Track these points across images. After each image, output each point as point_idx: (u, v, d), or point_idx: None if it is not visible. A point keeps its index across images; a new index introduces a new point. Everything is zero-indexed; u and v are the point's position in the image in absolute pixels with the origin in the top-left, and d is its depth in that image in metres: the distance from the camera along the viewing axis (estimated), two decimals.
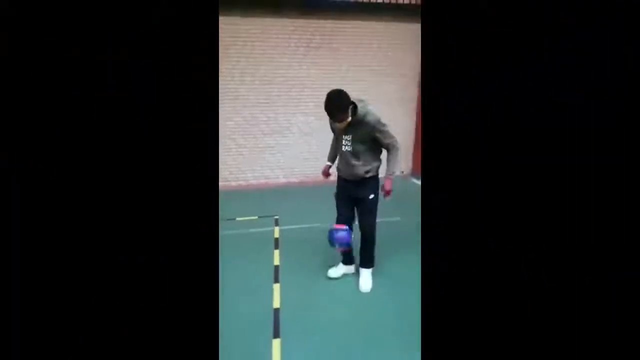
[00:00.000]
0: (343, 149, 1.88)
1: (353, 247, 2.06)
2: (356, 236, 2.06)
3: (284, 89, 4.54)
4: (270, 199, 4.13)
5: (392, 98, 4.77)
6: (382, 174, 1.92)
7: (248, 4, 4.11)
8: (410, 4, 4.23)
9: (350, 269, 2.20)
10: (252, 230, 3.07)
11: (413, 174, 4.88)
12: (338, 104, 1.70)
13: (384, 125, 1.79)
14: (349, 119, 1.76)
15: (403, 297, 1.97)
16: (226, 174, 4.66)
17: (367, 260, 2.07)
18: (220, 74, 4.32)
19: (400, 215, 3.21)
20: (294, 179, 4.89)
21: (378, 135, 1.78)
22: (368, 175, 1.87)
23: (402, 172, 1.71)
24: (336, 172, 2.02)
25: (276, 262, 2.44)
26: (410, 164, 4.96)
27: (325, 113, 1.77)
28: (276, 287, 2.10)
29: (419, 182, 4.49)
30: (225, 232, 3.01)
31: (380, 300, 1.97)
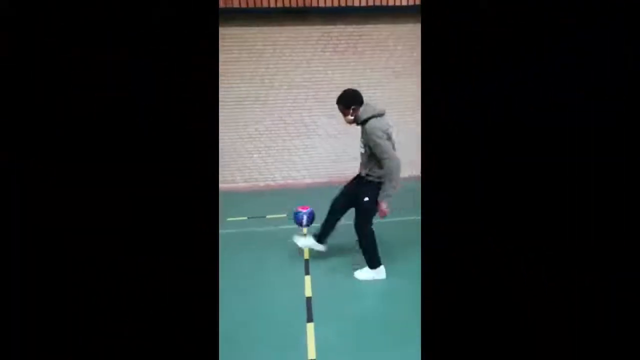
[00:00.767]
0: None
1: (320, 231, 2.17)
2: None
3: (311, 92, 4.51)
4: (297, 198, 4.13)
5: (417, 100, 4.55)
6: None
7: (280, 14, 4.15)
8: None
9: (317, 245, 2.19)
10: (281, 227, 3.09)
11: None
12: (340, 98, 1.82)
13: (379, 137, 1.71)
14: (350, 117, 1.81)
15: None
16: (255, 175, 4.74)
17: (365, 260, 2.04)
18: (252, 79, 4.41)
19: (418, 214, 3.05)
20: (319, 180, 4.84)
21: (372, 145, 1.73)
22: (368, 179, 1.84)
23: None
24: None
25: (306, 256, 2.49)
26: None
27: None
28: (307, 278, 2.19)
29: None
30: (256, 229, 3.10)
31: (402, 295, 1.99)
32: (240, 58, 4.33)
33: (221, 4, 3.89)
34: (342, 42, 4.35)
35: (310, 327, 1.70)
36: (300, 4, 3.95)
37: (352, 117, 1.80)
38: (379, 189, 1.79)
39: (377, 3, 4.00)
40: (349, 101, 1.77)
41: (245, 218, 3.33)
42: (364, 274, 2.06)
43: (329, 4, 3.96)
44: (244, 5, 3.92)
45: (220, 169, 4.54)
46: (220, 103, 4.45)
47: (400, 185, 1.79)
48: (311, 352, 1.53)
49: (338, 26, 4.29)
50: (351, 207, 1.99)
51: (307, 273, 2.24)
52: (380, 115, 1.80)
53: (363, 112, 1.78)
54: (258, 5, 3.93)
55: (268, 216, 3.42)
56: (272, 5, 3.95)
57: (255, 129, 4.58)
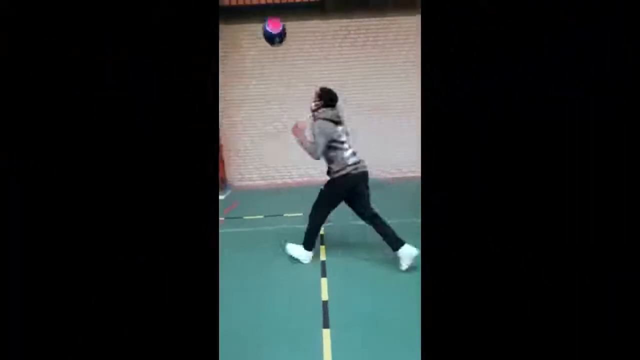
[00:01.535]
0: None
1: None
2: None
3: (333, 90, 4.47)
4: (314, 196, 4.11)
5: None
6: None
7: (296, 8, 4.13)
8: None
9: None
10: (298, 226, 3.08)
11: None
12: (323, 91, 2.16)
13: (317, 135, 2.07)
14: (313, 105, 2.15)
15: None
16: (273, 172, 4.78)
17: (304, 239, 2.29)
18: (270, 76, 4.43)
19: None
20: None
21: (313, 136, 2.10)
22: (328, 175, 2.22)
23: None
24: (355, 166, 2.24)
25: (323, 257, 2.43)
26: None
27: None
28: (324, 281, 2.10)
29: None
30: (273, 227, 3.07)
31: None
32: (258, 56, 4.37)
33: (239, 1, 3.94)
34: (361, 35, 4.26)
35: (326, 333, 1.60)
36: None
37: (315, 107, 2.12)
38: (332, 183, 2.19)
39: None
40: (316, 96, 2.14)
41: (262, 217, 3.35)
42: (293, 249, 2.31)
43: None
44: (262, 2, 3.95)
45: (239, 167, 4.63)
46: (238, 102, 4.53)
47: (309, 152, 2.15)
48: None
49: (356, 20, 4.21)
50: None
51: (323, 275, 2.14)
52: (334, 121, 2.10)
53: (322, 112, 2.09)
54: (277, 1, 3.94)
55: (285, 214, 3.42)
56: (290, 1, 3.95)
57: (273, 127, 4.62)
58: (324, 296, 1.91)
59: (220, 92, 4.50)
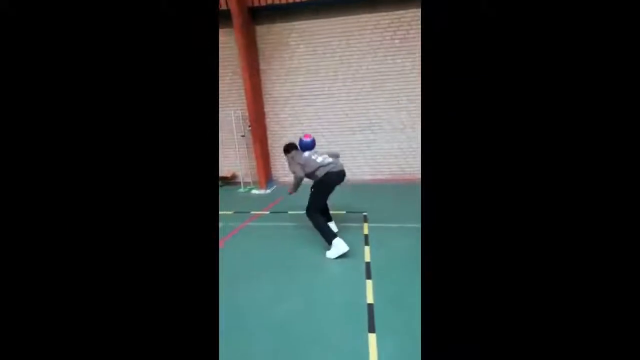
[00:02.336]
0: None
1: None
2: None
3: (377, 84, 4.31)
4: (357, 195, 4.00)
5: None
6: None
7: (344, 4, 4.03)
8: None
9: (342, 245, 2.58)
10: (342, 224, 3.01)
11: None
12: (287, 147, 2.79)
13: (290, 159, 2.68)
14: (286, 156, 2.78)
15: None
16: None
17: (325, 240, 2.52)
18: (317, 73, 4.40)
19: None
20: (380, 176, 4.63)
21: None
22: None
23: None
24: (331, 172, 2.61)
25: (367, 258, 2.33)
26: None
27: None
28: (369, 283, 2.02)
29: None
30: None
31: None
32: (307, 52, 4.36)
33: (289, 0, 3.95)
34: (414, 27, 4.02)
35: (372, 338, 1.52)
36: None
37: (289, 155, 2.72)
38: (314, 187, 2.62)
39: None
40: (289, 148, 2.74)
41: (304, 212, 3.34)
42: (331, 253, 2.41)
43: None
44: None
45: (284, 164, 4.67)
46: (284, 99, 4.56)
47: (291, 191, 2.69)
48: None
49: (410, 10, 3.98)
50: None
51: (368, 277, 2.06)
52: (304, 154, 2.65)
53: (295, 153, 2.70)
54: None
55: (331, 212, 3.37)
56: None
57: (318, 124, 4.58)
58: (369, 299, 1.82)
59: (266, 89, 4.59)
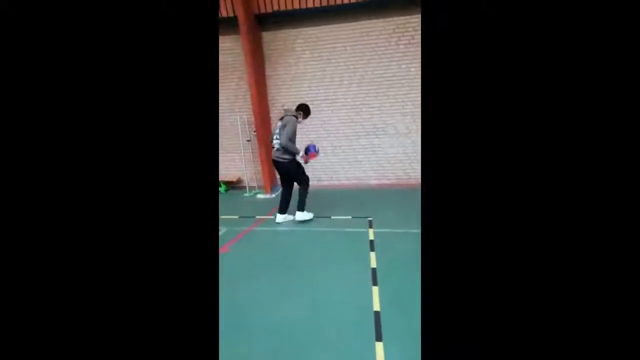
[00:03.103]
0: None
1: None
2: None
3: (382, 89, 4.31)
4: (362, 200, 3.98)
5: None
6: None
7: (350, 10, 4.06)
8: None
9: (289, 217, 3.29)
10: (347, 229, 2.99)
11: None
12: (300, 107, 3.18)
13: (287, 128, 2.96)
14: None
15: None
16: (320, 174, 4.75)
17: (298, 205, 3.25)
18: (322, 79, 4.42)
19: None
20: (385, 181, 4.61)
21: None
22: (284, 162, 3.12)
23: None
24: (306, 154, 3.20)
25: (373, 264, 2.30)
26: None
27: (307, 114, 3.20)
28: (375, 289, 1.98)
29: None
30: (322, 229, 3.04)
31: None
32: (312, 58, 4.39)
33: (295, 6, 3.99)
34: (419, 32, 4.03)
35: (379, 346, 1.48)
36: None
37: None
38: (290, 161, 3.01)
39: None
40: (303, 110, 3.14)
41: (310, 217, 3.33)
42: (298, 215, 3.20)
43: None
44: (317, 5, 3.95)
45: None
46: (291, 104, 4.59)
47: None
48: None
49: (415, 16, 3.99)
50: (291, 182, 3.20)
51: (374, 284, 2.02)
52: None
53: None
54: (331, 3, 3.91)
55: (333, 217, 3.36)
56: (346, 1, 3.88)
57: (322, 129, 4.59)
58: (376, 306, 1.79)
59: (272, 95, 4.62)
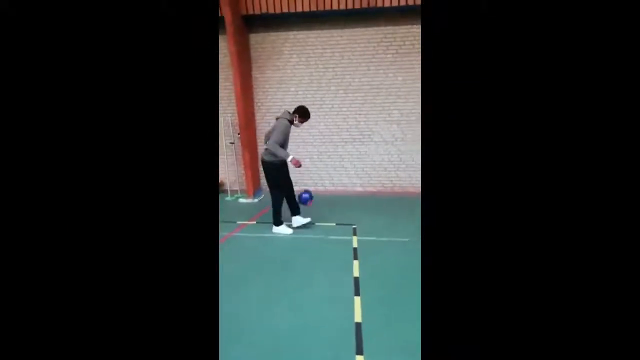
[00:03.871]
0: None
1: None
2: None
3: (369, 96, 4.34)
4: (347, 207, 3.95)
5: None
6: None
7: (343, 16, 4.08)
8: None
9: (302, 220, 3.20)
10: (331, 237, 2.94)
11: None
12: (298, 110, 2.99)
13: (275, 131, 2.88)
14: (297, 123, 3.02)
15: None
16: (306, 179, 4.70)
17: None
18: (309, 84, 4.40)
19: None
20: (371, 188, 4.61)
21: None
22: (272, 165, 3.05)
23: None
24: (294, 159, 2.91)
25: (356, 273, 2.25)
26: None
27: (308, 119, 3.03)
28: (357, 300, 1.91)
29: None
30: (305, 235, 2.98)
31: None
32: (300, 62, 4.36)
33: (284, 9, 3.97)
34: (407, 42, 4.10)
35: (359, 359, 1.43)
36: (364, 5, 3.83)
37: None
38: (275, 162, 2.93)
39: None
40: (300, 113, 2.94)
41: (289, 223, 3.26)
42: (277, 229, 3.08)
43: (394, 4, 3.77)
44: (306, 9, 3.94)
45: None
46: (277, 108, 4.53)
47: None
48: None
49: (403, 27, 4.06)
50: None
51: (357, 294, 1.97)
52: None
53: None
54: (320, 8, 3.91)
55: (317, 223, 3.31)
56: (335, 7, 3.90)
57: (309, 134, 4.55)
58: (357, 317, 1.73)
59: (259, 97, 4.55)
